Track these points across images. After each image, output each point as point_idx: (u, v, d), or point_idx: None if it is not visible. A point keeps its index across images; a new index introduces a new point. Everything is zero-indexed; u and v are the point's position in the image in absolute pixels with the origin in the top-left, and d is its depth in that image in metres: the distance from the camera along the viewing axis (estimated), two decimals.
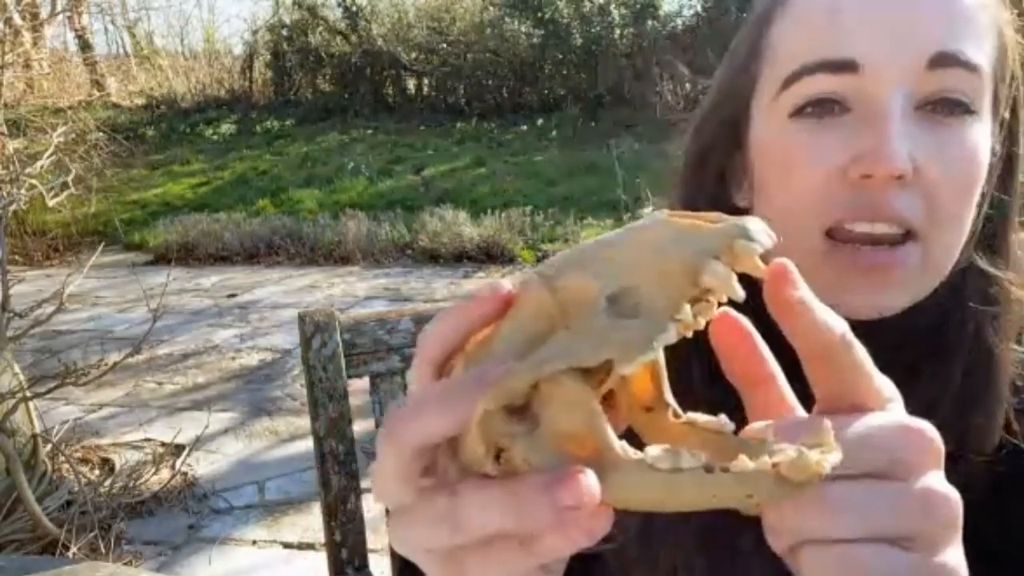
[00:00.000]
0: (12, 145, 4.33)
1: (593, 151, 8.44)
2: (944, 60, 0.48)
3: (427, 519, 0.30)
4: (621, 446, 0.28)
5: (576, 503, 0.26)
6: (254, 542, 2.60)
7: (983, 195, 0.52)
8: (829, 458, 0.27)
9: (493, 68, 11.21)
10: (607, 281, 0.28)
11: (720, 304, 0.30)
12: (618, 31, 10.54)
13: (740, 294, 0.28)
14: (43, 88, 9.45)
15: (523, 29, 11.27)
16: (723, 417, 0.32)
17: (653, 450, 0.28)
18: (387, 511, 0.33)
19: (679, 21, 10.72)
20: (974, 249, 0.54)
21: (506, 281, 0.31)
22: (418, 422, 0.29)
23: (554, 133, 10.01)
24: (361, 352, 1.00)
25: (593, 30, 10.60)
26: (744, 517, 0.31)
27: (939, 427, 0.32)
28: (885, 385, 0.33)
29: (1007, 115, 0.54)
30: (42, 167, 3.80)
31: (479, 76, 11.40)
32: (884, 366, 0.48)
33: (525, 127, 10.40)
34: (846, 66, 0.49)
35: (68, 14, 10.74)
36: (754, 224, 0.28)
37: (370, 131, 10.55)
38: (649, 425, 0.33)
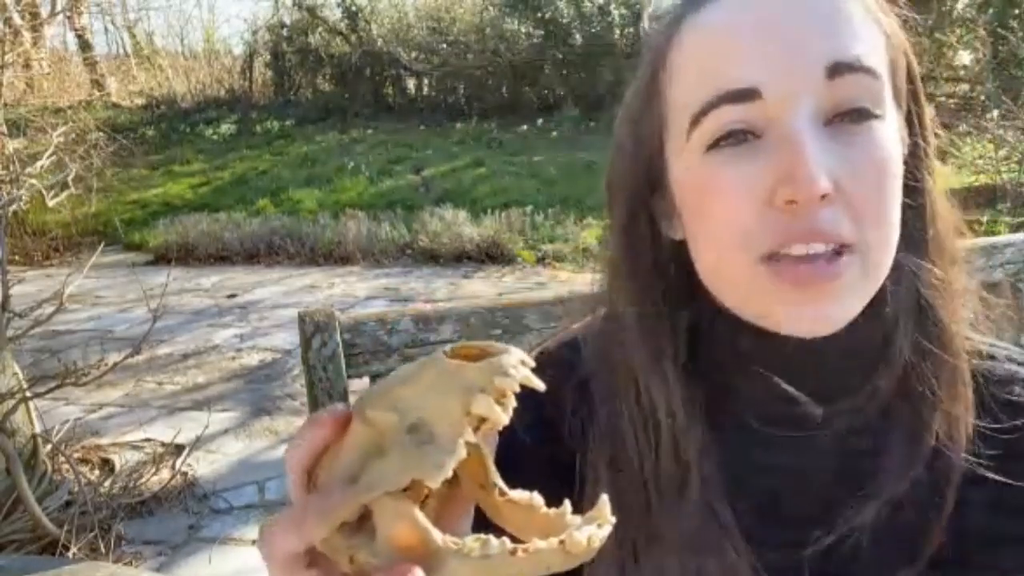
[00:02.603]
0: (12, 145, 4.33)
1: (593, 151, 8.44)
2: (841, 68, 0.49)
3: None
4: (443, 539, 0.35)
5: None
6: (254, 542, 2.60)
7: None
8: (598, 533, 0.35)
9: (493, 68, 11.21)
10: (405, 414, 0.35)
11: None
12: (618, 31, 10.55)
13: (504, 420, 0.35)
14: (43, 88, 9.46)
15: (523, 29, 11.27)
16: (535, 494, 0.39)
17: (468, 539, 0.35)
18: None
19: None
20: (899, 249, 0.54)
21: (341, 405, 0.38)
22: (278, 540, 0.36)
23: (554, 133, 10.01)
24: (361, 352, 1.00)
25: (593, 30, 10.61)
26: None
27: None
28: None
29: (911, 105, 0.55)
30: (42, 167, 3.80)
31: (479, 76, 11.40)
32: (831, 380, 0.55)
33: (525, 127, 10.40)
34: (748, 94, 0.49)
35: (68, 14, 10.73)
36: (509, 359, 0.36)
37: (370, 131, 10.54)
38: (484, 500, 0.40)
